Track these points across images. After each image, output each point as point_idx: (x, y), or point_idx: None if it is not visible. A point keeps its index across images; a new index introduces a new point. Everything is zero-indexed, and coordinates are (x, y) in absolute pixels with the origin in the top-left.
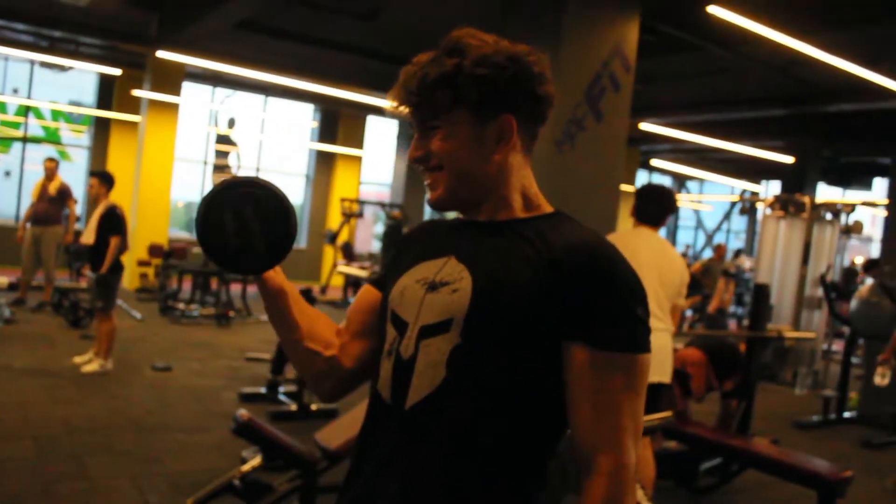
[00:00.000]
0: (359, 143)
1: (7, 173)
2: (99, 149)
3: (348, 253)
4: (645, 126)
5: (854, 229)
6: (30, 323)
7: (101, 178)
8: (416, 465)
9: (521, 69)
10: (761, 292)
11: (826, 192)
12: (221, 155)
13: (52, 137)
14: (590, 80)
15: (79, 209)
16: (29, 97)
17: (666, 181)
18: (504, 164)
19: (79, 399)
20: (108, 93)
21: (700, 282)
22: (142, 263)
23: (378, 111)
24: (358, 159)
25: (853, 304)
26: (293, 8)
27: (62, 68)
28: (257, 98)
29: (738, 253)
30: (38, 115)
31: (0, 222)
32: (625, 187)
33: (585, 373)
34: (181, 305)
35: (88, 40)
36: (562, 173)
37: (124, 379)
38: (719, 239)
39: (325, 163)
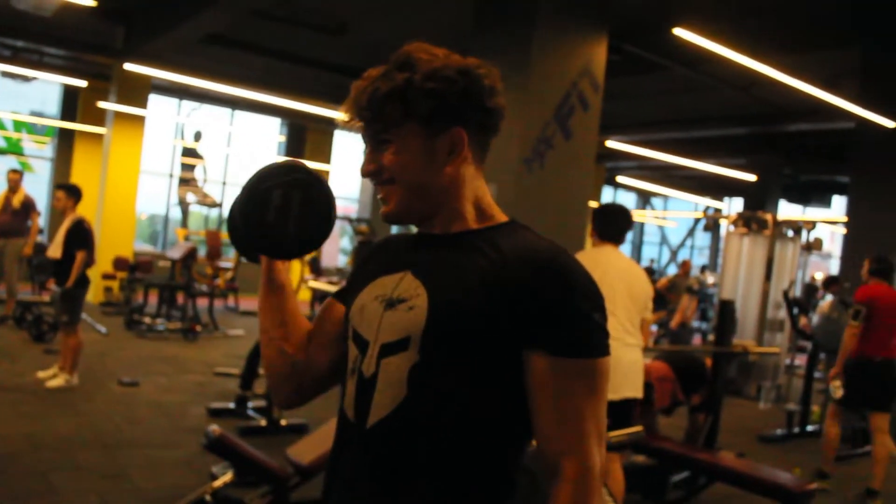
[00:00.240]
0: (326, 158)
1: None
2: (62, 161)
3: (316, 267)
4: (611, 143)
5: (814, 246)
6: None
7: (69, 190)
8: (383, 483)
9: (471, 82)
10: (727, 308)
11: (787, 210)
12: (188, 168)
13: (13, 148)
14: (559, 100)
15: (42, 221)
16: None
17: (631, 198)
18: (456, 177)
19: (43, 414)
20: (72, 104)
21: (665, 297)
22: (106, 277)
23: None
24: (325, 173)
25: (815, 319)
26: (261, 22)
27: (25, 78)
28: (224, 111)
29: (702, 269)
30: (0, 126)
31: None
32: (591, 204)
33: (546, 380)
34: (147, 320)
35: (53, 51)
36: (531, 191)
37: (90, 394)
38: (683, 255)
39: None
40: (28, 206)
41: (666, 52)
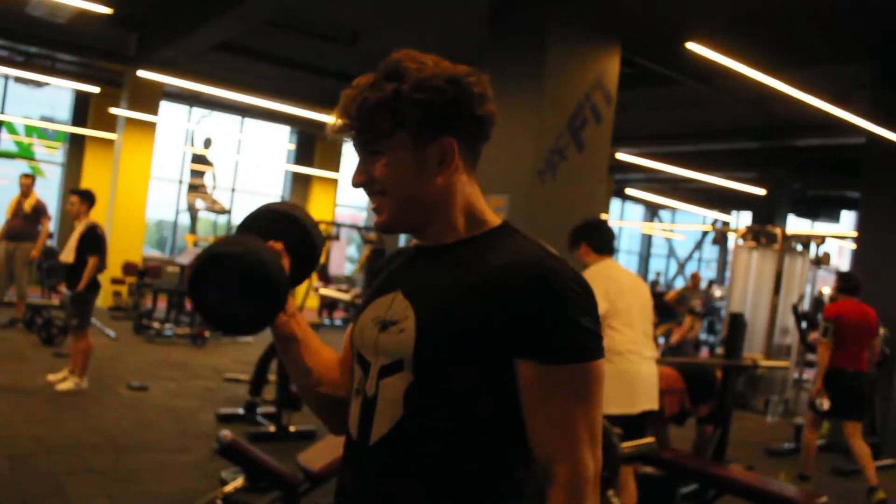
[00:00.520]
0: (335, 167)
1: None
2: (73, 166)
3: (324, 275)
4: (620, 155)
5: (823, 261)
6: (1, 340)
7: (82, 196)
8: (386, 499)
9: (460, 91)
10: (737, 321)
11: (795, 224)
12: (197, 175)
13: (25, 153)
14: (572, 111)
15: (51, 226)
16: (2, 112)
17: (639, 210)
18: (448, 187)
19: (54, 418)
20: (83, 110)
21: (674, 309)
22: (116, 282)
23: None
24: (334, 182)
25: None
26: (273, 31)
27: (37, 84)
28: (234, 119)
29: (710, 283)
30: (11, 131)
31: None
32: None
33: (536, 388)
34: (156, 324)
35: (66, 57)
36: (544, 202)
37: (100, 398)
38: (691, 267)
39: (300, 185)
40: (39, 211)
41: (677, 65)
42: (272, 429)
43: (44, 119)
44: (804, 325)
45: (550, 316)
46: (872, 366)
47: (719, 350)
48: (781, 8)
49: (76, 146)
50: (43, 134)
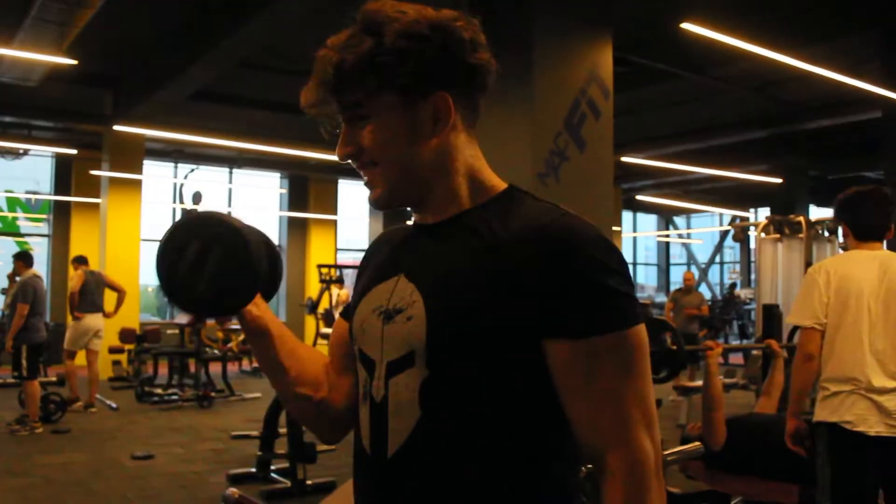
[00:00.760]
0: (332, 208)
1: None
2: (60, 236)
3: (329, 321)
4: (626, 158)
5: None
6: None
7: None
8: None
9: (448, 38)
10: (771, 312)
11: (817, 213)
12: None
13: (9, 228)
14: (568, 108)
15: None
16: None
17: (652, 220)
18: (446, 149)
19: (54, 499)
20: (65, 177)
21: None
22: (113, 350)
23: (350, 173)
24: (332, 224)
25: None
26: (250, 74)
27: (16, 154)
28: (222, 171)
29: (732, 287)
30: None
31: None
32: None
33: (572, 368)
34: (159, 390)
35: (42, 123)
36: None
37: (102, 472)
38: (713, 272)
39: (297, 230)
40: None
41: (673, 57)
42: (288, 484)
43: (28, 193)
44: None
45: (574, 283)
46: None
47: (755, 352)
48: None
49: (62, 215)
50: (27, 207)
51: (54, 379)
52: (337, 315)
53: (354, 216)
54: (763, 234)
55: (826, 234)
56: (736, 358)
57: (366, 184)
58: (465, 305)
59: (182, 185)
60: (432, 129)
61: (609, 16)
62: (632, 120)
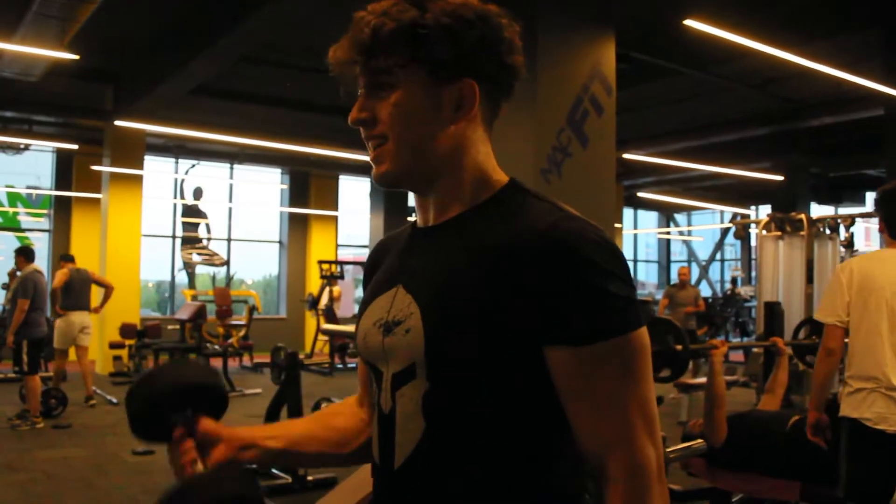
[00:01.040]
0: (332, 204)
1: None
2: (61, 231)
3: (331, 318)
4: (627, 155)
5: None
6: None
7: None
8: None
9: (490, 30)
10: (773, 310)
11: (818, 211)
12: (190, 227)
13: (10, 223)
14: (571, 105)
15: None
16: None
17: (653, 217)
18: (461, 139)
19: (55, 494)
20: (66, 172)
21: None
22: (114, 346)
23: (350, 169)
24: (333, 219)
25: None
26: (249, 69)
27: (16, 149)
28: (223, 167)
29: (733, 282)
30: None
31: None
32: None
33: (574, 374)
34: None
35: (43, 118)
36: None
37: (103, 467)
38: (714, 269)
39: (298, 226)
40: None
41: (675, 54)
42: (289, 480)
43: (28, 188)
44: None
45: (575, 289)
46: None
47: (756, 350)
48: None
49: (62, 210)
50: (28, 202)
51: (51, 374)
52: (337, 311)
53: (355, 212)
54: (764, 232)
55: (827, 231)
56: (736, 356)
57: (372, 159)
58: (462, 316)
59: (183, 180)
60: (452, 115)
61: (612, 13)
62: (633, 117)
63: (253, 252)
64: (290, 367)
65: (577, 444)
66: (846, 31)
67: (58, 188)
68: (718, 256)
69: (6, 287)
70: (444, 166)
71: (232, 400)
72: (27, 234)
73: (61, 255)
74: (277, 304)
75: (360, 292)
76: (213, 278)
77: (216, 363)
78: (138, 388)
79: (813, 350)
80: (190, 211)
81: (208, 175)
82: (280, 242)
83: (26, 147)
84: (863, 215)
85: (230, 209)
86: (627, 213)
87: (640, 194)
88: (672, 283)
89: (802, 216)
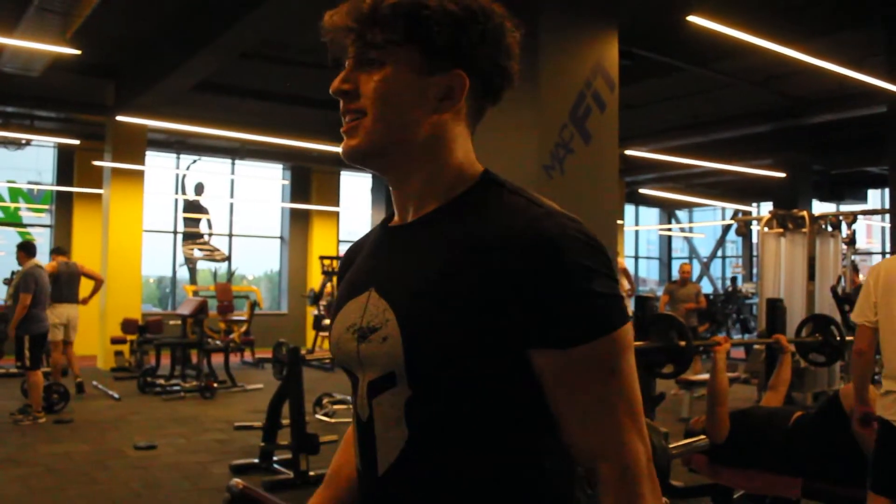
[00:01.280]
0: (334, 200)
1: None
2: (62, 227)
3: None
4: (629, 151)
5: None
6: None
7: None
8: None
9: (493, 28)
10: (775, 307)
11: (820, 208)
12: (192, 222)
13: (11, 218)
14: (574, 101)
15: None
16: None
17: (654, 213)
18: (441, 132)
19: (57, 488)
20: (68, 167)
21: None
22: (116, 341)
23: (352, 165)
24: (335, 215)
25: None
26: (250, 65)
27: (18, 145)
28: (224, 162)
29: (733, 280)
30: None
31: None
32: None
33: (560, 376)
34: (161, 381)
35: (44, 113)
36: (553, 200)
37: (105, 462)
38: (715, 266)
39: (300, 222)
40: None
41: (677, 50)
42: (291, 475)
43: (30, 184)
44: (847, 308)
45: (559, 291)
46: None
47: (757, 347)
48: None
49: (64, 205)
50: (29, 197)
51: (49, 369)
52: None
53: (357, 207)
54: (766, 229)
55: (829, 228)
56: (738, 353)
57: (344, 131)
58: (442, 325)
59: (184, 175)
60: (437, 105)
61: (615, 9)
62: (635, 113)
63: (254, 247)
64: (292, 363)
65: (567, 444)
66: (849, 28)
67: (59, 184)
68: (720, 253)
69: (7, 282)
70: (421, 156)
71: (233, 395)
72: (28, 229)
73: (53, 248)
74: (279, 300)
75: None
76: (215, 274)
77: (218, 359)
78: None
79: (816, 348)
80: (191, 206)
81: (210, 170)
82: (281, 238)
83: (28, 142)
84: (865, 212)
85: (231, 205)
86: (629, 209)
87: (641, 191)
88: (673, 279)
89: (804, 213)
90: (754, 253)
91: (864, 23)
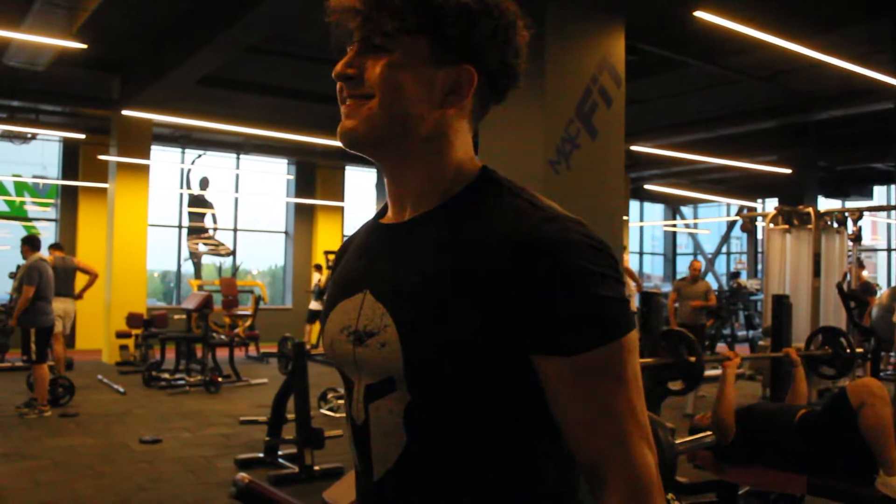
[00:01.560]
0: (338, 195)
1: None
2: (67, 221)
3: None
4: (635, 147)
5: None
6: (3, 404)
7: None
8: None
9: (505, 26)
10: (781, 303)
11: (826, 205)
12: (196, 217)
13: (17, 212)
14: (580, 96)
15: None
16: None
17: (659, 209)
18: (444, 128)
19: (62, 481)
20: (73, 161)
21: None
22: (121, 335)
23: (356, 160)
24: (339, 210)
25: (874, 311)
26: (257, 59)
27: (24, 139)
28: (229, 157)
29: (736, 275)
30: (2, 191)
31: None
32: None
33: (566, 384)
34: (166, 375)
35: (50, 108)
36: (559, 196)
37: (110, 456)
38: (720, 262)
39: (304, 217)
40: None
41: (684, 46)
42: (296, 470)
43: (35, 178)
44: (852, 304)
45: (565, 297)
46: None
47: (762, 342)
48: None
49: (69, 200)
50: (34, 191)
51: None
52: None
53: (361, 203)
54: (772, 225)
55: (835, 225)
56: (742, 348)
57: (345, 113)
58: (441, 329)
59: (189, 170)
60: (443, 99)
61: (621, 3)
62: (640, 109)
63: (259, 242)
64: (297, 358)
65: (572, 453)
66: (856, 24)
67: (64, 178)
68: (724, 249)
69: (13, 276)
70: (421, 151)
71: (238, 389)
72: (34, 223)
73: (51, 244)
74: (283, 295)
75: None
76: (219, 268)
77: (222, 353)
78: None
79: (827, 361)
80: (196, 201)
81: (214, 165)
82: (286, 233)
83: (33, 136)
84: (871, 209)
85: (236, 199)
86: (633, 205)
87: (646, 186)
88: (681, 276)
89: (810, 209)
90: (759, 249)
91: (872, 18)
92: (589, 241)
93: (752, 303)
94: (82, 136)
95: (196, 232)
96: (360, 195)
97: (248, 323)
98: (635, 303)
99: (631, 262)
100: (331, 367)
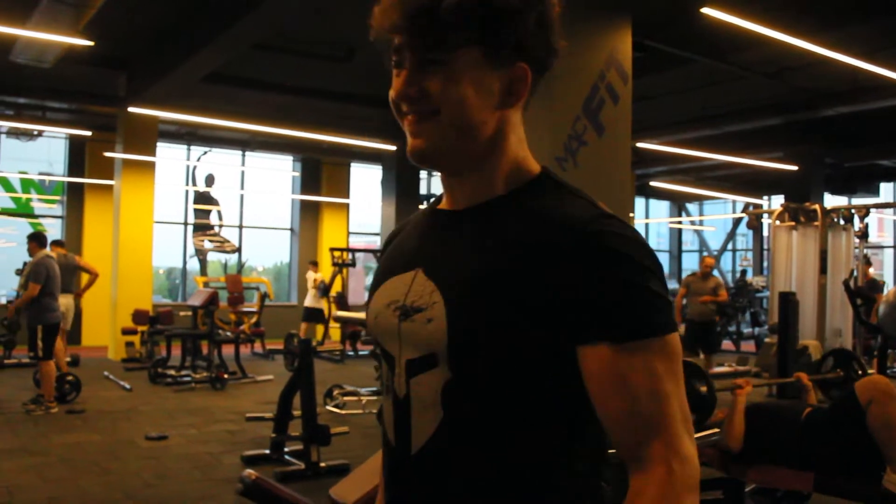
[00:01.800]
0: (344, 192)
1: None
2: (73, 217)
3: (342, 305)
4: (641, 144)
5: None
6: (10, 400)
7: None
8: None
9: (546, 12)
10: (788, 300)
11: (832, 202)
12: (202, 214)
13: (23, 209)
14: (587, 93)
15: None
16: None
17: (664, 206)
18: (504, 125)
19: (69, 477)
20: (79, 158)
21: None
22: (127, 332)
23: (362, 157)
24: (345, 207)
25: (881, 308)
26: (263, 56)
27: (30, 136)
28: (235, 154)
29: (743, 273)
30: (8, 188)
31: None
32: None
33: (611, 372)
34: (172, 372)
35: (56, 104)
36: None
37: (116, 452)
38: (725, 259)
39: (310, 213)
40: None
41: (690, 42)
42: (302, 466)
43: (41, 174)
44: (859, 301)
45: (616, 286)
46: None
47: (768, 339)
48: None
49: (75, 196)
50: (41, 188)
51: (68, 359)
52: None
53: (367, 199)
54: (778, 222)
55: (842, 222)
56: (748, 346)
57: (411, 132)
58: (491, 313)
59: (195, 167)
60: (502, 100)
61: (628, 1)
62: (646, 105)
63: (264, 239)
64: (303, 355)
65: (610, 437)
66: (863, 20)
67: (70, 174)
68: (730, 246)
69: (20, 273)
70: (486, 153)
71: (243, 386)
72: (40, 220)
73: (52, 241)
74: (289, 292)
75: (370, 280)
76: (225, 265)
77: (228, 350)
78: None
79: (838, 384)
80: (202, 198)
81: (220, 162)
82: (291, 230)
83: (39, 133)
84: (877, 206)
85: (242, 196)
86: (639, 202)
87: (652, 183)
88: (691, 272)
89: (816, 206)
90: (765, 246)
91: (878, 15)
92: (644, 243)
93: (758, 300)
94: (88, 133)
95: (202, 229)
96: (366, 192)
97: (254, 319)
98: None
99: None
100: (336, 364)
